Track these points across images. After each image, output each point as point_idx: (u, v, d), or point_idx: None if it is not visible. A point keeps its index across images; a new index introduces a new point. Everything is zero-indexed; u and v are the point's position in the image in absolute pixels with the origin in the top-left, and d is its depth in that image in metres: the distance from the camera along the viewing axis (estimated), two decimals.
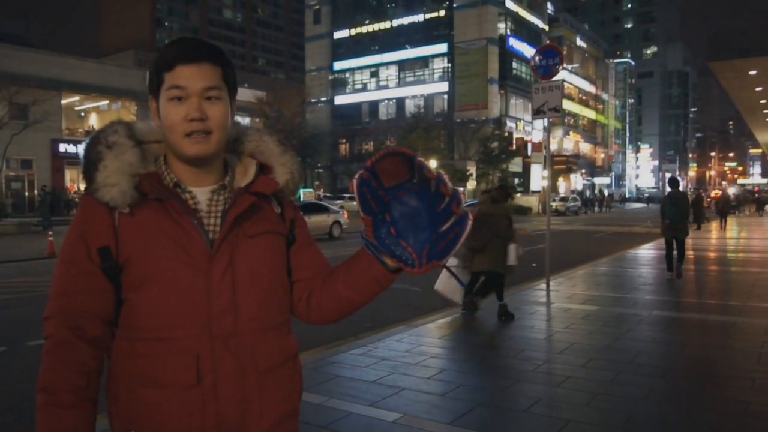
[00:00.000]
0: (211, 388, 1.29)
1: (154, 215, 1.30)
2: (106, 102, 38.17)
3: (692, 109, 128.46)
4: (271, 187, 1.41)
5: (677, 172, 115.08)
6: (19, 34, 58.78)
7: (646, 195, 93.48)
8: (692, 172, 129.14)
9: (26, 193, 32.24)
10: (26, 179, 32.49)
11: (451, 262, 7.22)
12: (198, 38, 1.37)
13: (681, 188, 11.58)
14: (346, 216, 23.14)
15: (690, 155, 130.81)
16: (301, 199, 35.60)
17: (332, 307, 1.44)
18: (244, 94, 43.71)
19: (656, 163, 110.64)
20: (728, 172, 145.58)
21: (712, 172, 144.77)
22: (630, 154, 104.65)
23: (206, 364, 1.28)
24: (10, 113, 27.35)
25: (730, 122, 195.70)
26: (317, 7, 68.06)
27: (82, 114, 39.51)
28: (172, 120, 1.29)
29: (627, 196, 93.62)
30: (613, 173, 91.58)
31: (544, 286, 9.78)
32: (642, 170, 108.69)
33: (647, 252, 16.36)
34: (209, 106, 1.30)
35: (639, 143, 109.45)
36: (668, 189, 11.79)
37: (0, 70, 26.90)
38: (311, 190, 45.02)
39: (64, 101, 34.55)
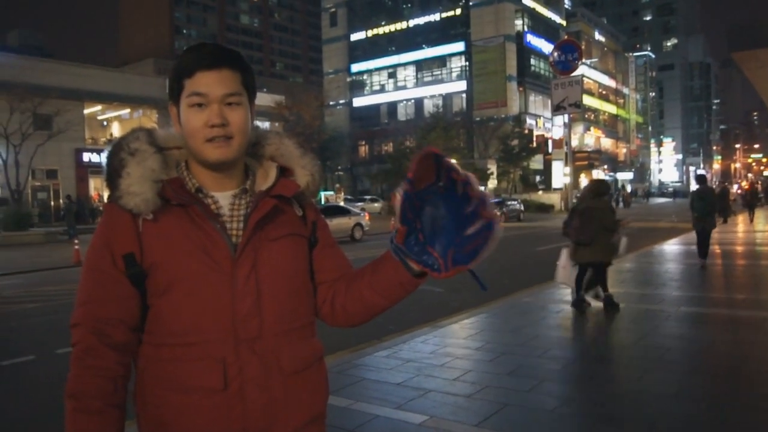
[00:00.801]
0: (237, 393, 1.29)
1: (177, 221, 1.31)
2: (128, 110, 38.64)
3: (715, 101, 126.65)
4: (291, 189, 1.42)
5: (701, 165, 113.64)
6: (39, 45, 59.83)
7: (671, 189, 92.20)
8: (717, 165, 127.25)
9: (52, 203, 32.76)
10: (51, 189, 33.01)
11: (562, 259, 7.86)
12: (217, 44, 1.38)
13: (707, 184, 12.18)
14: (367, 218, 23.14)
15: (714, 148, 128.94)
16: (322, 202, 35.80)
17: (357, 310, 1.43)
18: (263, 98, 43.96)
19: (680, 156, 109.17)
20: (754, 164, 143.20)
21: (737, 165, 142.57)
22: (653, 148, 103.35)
23: (232, 368, 1.29)
24: (34, 124, 27.80)
25: (755, 113, 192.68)
26: (333, 9, 68.27)
27: (105, 123, 40.05)
28: (193, 126, 1.30)
29: (651, 190, 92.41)
30: (635, 168, 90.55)
31: None
32: (665, 164, 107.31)
33: (673, 247, 16.13)
34: (230, 112, 1.31)
35: (661, 137, 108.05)
36: (696, 185, 12.31)
37: (23, 82, 27.27)
38: (332, 192, 45.13)
39: (86, 111, 35.06)
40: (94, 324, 1.28)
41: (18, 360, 6.43)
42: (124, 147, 1.34)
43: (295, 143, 1.51)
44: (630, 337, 6.33)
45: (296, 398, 1.36)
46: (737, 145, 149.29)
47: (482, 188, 1.21)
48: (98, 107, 37.20)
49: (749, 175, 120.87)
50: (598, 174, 68.86)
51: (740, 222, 26.17)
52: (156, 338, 1.32)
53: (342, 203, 32.50)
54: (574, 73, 10.25)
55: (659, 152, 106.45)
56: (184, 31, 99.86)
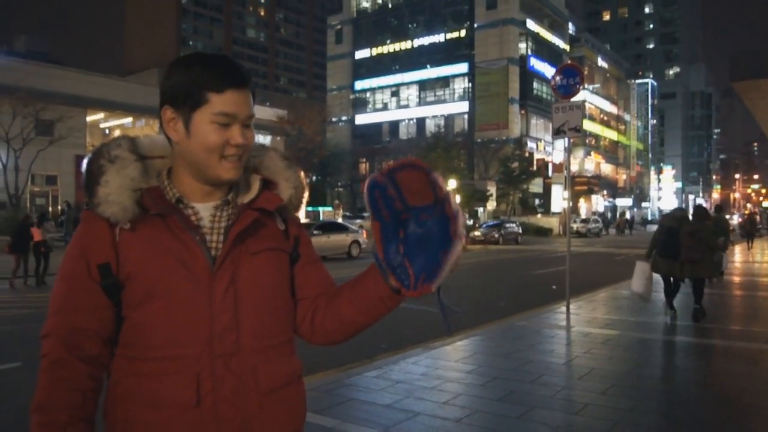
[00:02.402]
0: (210, 410, 1.25)
1: (155, 231, 1.28)
2: (130, 119, 38.74)
3: (715, 131, 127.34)
4: (274, 203, 1.38)
5: (700, 194, 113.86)
6: (46, 52, 60.08)
7: None
8: (716, 194, 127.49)
9: (50, 209, 32.69)
10: (50, 195, 33.00)
11: (643, 271, 8.84)
12: (232, 58, 1.33)
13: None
14: (365, 235, 23.09)
15: (714, 177, 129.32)
16: (321, 219, 35.73)
17: (336, 327, 1.40)
18: (266, 112, 44.12)
19: (679, 185, 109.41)
20: (753, 194, 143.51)
21: (737, 195, 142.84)
22: (652, 175, 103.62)
23: (206, 384, 1.25)
24: (36, 129, 27.85)
25: (755, 144, 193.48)
26: (339, 27, 68.82)
27: (107, 131, 40.14)
28: (213, 142, 1.27)
29: (649, 218, 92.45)
30: (635, 195, 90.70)
31: (564, 309, 9.61)
32: (665, 192, 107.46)
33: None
34: (246, 132, 1.30)
35: (661, 164, 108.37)
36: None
37: (27, 87, 27.32)
38: (331, 208, 45.08)
39: (89, 118, 35.18)
40: (65, 334, 1.24)
41: (4, 366, 6.35)
42: (105, 154, 1.30)
43: (280, 156, 1.48)
44: (624, 366, 6.26)
45: (272, 417, 1.32)
46: (737, 175, 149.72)
47: (458, 207, 1.19)
48: (101, 115, 37.32)
49: (748, 205, 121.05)
50: (598, 199, 69.07)
51: (739, 252, 26.13)
52: (129, 351, 1.28)
53: (340, 220, 32.43)
54: (575, 98, 10.23)
55: (659, 179, 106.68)
56: (190, 43, 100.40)
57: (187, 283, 1.26)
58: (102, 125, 39.25)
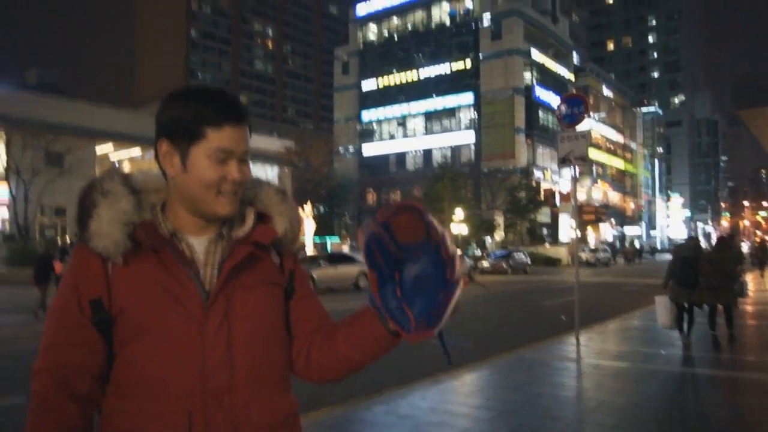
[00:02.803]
0: None
1: (148, 266, 1.26)
2: (139, 151, 39.06)
3: (723, 158, 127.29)
4: (269, 236, 1.36)
5: (709, 222, 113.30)
6: (57, 84, 60.94)
7: None
8: (725, 222, 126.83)
9: (59, 240, 32.81)
10: (59, 226, 33.12)
11: (663, 319, 9.19)
12: (230, 93, 1.33)
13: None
14: None
15: (722, 205, 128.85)
16: (329, 250, 35.71)
17: (332, 365, 1.37)
18: (273, 143, 44.40)
19: (688, 213, 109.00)
20: (762, 221, 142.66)
21: (746, 222, 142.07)
22: (660, 203, 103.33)
23: (198, 422, 1.21)
24: (45, 161, 28.10)
25: (763, 170, 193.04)
26: (346, 58, 69.66)
27: (116, 162, 40.42)
28: (210, 178, 1.25)
29: (658, 246, 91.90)
30: (643, 223, 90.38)
31: (573, 340, 9.48)
32: (673, 220, 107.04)
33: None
34: (242, 167, 1.29)
35: (669, 192, 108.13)
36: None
37: (36, 119, 27.67)
38: (338, 239, 45.08)
39: (98, 149, 35.44)
40: (56, 371, 1.22)
41: (6, 404, 6.29)
42: (97, 187, 1.29)
43: (275, 190, 1.46)
44: (635, 399, 6.14)
45: None
46: (745, 203, 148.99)
47: (455, 249, 1.17)
48: (110, 146, 37.62)
49: (758, 232, 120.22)
50: (606, 228, 68.83)
51: (751, 280, 25.85)
52: (120, 389, 1.25)
53: (347, 250, 32.39)
54: (580, 127, 10.23)
55: (667, 208, 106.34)
56: (199, 75, 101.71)
57: (180, 318, 1.24)
58: (111, 157, 39.55)
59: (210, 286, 1.28)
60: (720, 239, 10.32)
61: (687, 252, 9.62)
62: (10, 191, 28.34)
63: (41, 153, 27.95)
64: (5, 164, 28.91)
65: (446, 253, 1.16)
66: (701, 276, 9.23)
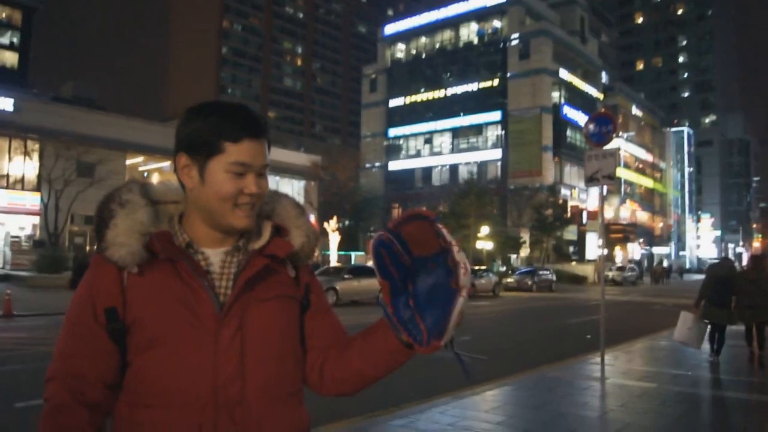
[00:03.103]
0: None
1: (163, 276, 1.26)
2: (169, 163, 39.62)
3: (755, 179, 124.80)
4: (285, 249, 1.36)
5: (740, 243, 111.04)
6: (92, 98, 62.31)
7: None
8: (756, 243, 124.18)
9: (87, 248, 33.35)
10: (88, 235, 33.63)
11: (687, 322, 9.13)
12: (250, 108, 1.34)
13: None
14: None
15: (753, 226, 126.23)
16: (353, 263, 35.75)
17: (346, 379, 1.37)
18: (300, 157, 44.73)
19: (718, 233, 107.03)
20: None
21: None
22: (690, 223, 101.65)
23: None
24: (77, 171, 28.66)
25: None
26: (374, 76, 70.02)
27: (146, 174, 41.05)
28: (228, 191, 1.26)
29: (687, 267, 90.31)
30: (673, 243, 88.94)
31: (598, 359, 9.30)
32: (703, 240, 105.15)
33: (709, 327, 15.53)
34: (260, 181, 1.30)
35: (699, 213, 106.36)
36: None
37: (70, 131, 28.25)
38: (363, 253, 45.11)
39: (128, 161, 36.03)
40: (69, 380, 1.23)
41: (32, 403, 6.37)
42: (116, 198, 1.31)
43: (292, 204, 1.47)
44: (661, 421, 6.00)
45: None
46: None
47: (462, 258, 1.16)
48: (140, 158, 38.23)
49: None
50: (634, 247, 67.86)
51: None
52: (132, 398, 1.25)
53: (371, 264, 32.35)
54: (609, 146, 10.13)
55: (697, 228, 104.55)
56: (229, 91, 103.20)
57: (193, 329, 1.24)
58: (141, 168, 40.17)
59: (224, 297, 1.29)
60: (753, 258, 10.28)
61: (721, 272, 9.80)
62: (42, 199, 28.92)
63: (73, 163, 28.49)
64: (38, 173, 29.53)
65: (452, 261, 1.15)
66: (736, 295, 9.41)
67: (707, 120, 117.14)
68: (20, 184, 30.70)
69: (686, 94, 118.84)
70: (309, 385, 1.42)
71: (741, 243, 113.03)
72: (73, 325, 1.27)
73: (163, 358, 1.23)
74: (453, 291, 1.13)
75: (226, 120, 1.27)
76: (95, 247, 1.33)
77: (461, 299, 1.14)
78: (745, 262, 14.67)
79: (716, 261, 11.39)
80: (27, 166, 30.15)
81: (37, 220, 30.35)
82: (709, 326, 9.67)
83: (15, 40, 60.88)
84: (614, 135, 10.24)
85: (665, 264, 66.06)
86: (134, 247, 1.24)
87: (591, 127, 10.34)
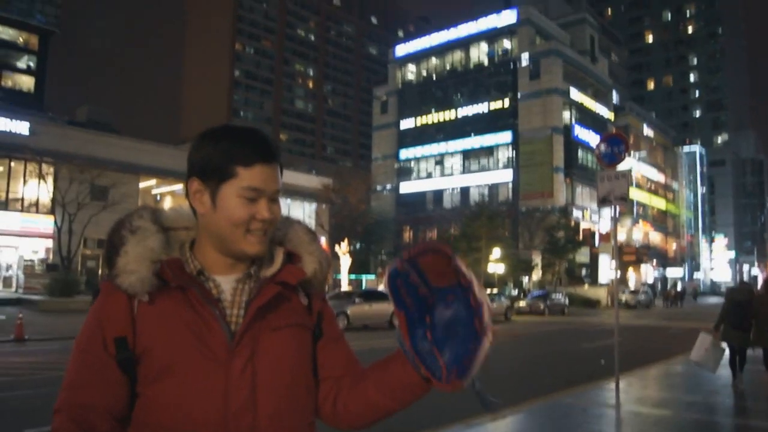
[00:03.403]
0: None
1: (174, 304, 1.24)
2: (181, 186, 39.83)
3: None
4: (297, 276, 1.33)
5: (755, 264, 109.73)
6: (106, 121, 63.15)
7: (723, 289, 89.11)
8: None
9: (99, 272, 33.51)
10: (101, 258, 33.84)
11: (704, 343, 9.15)
12: (262, 132, 1.33)
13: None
14: None
15: None
16: (364, 287, 35.64)
17: (361, 412, 1.33)
18: (311, 180, 44.88)
19: (732, 254, 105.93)
20: None
21: None
22: (704, 244, 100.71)
23: None
24: (90, 194, 28.90)
25: None
26: (384, 98, 70.43)
27: (158, 197, 41.36)
28: (240, 217, 1.25)
29: (702, 289, 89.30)
30: (686, 265, 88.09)
31: (612, 385, 9.17)
32: (717, 262, 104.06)
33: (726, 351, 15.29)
34: (273, 206, 1.29)
35: (713, 233, 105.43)
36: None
37: (84, 155, 28.56)
38: (374, 276, 45.03)
39: (141, 184, 36.32)
40: (77, 411, 1.19)
41: (42, 429, 6.34)
42: (126, 224, 1.29)
43: (305, 230, 1.44)
44: None
45: None
46: None
47: (484, 296, 1.14)
48: (153, 181, 38.54)
49: None
50: (647, 269, 67.25)
51: None
52: (141, 430, 1.22)
53: (383, 288, 32.25)
54: (621, 166, 10.08)
55: (711, 249, 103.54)
56: (241, 114, 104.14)
57: (204, 359, 1.22)
58: (154, 191, 40.48)
59: (236, 326, 1.26)
60: (767, 282, 10.23)
61: (740, 296, 9.90)
62: (55, 223, 29.15)
63: (87, 187, 28.74)
64: (52, 197, 29.81)
65: (474, 301, 1.12)
66: (755, 319, 9.48)
67: (719, 139, 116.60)
68: (34, 207, 31.05)
69: (697, 114, 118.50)
70: (322, 417, 1.38)
71: (756, 264, 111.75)
72: (83, 354, 1.25)
73: (173, 388, 1.20)
74: (477, 332, 1.11)
75: (238, 144, 1.26)
76: (106, 273, 1.31)
77: (487, 342, 1.11)
78: (760, 284, 14.55)
79: (735, 285, 11.41)
80: (41, 190, 30.49)
81: (50, 243, 30.61)
82: (728, 351, 9.75)
83: (32, 64, 61.96)
84: (626, 155, 10.19)
85: (679, 287, 65.27)
86: (145, 274, 1.22)
87: (603, 147, 10.30)
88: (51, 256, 30.55)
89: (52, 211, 30.04)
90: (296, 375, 1.30)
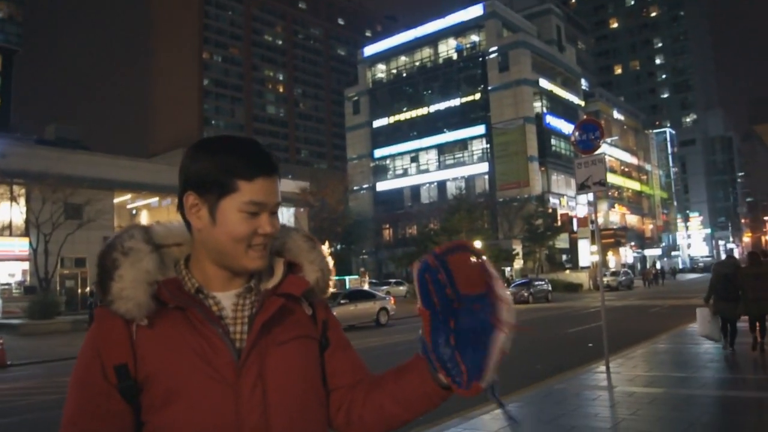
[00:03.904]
0: None
1: (175, 326, 1.18)
2: (157, 199, 39.46)
3: (739, 174, 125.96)
4: (300, 287, 1.29)
5: (731, 239, 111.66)
6: (75, 138, 62.23)
7: (701, 264, 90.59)
8: (746, 238, 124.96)
9: (79, 291, 33.02)
10: (79, 277, 33.35)
11: (705, 316, 10.44)
12: (260, 143, 1.28)
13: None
14: (392, 302, 22.85)
15: (742, 221, 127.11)
16: (347, 287, 35.57)
17: (376, 421, 1.28)
18: (288, 185, 44.67)
19: (708, 231, 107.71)
20: None
21: None
22: (680, 223, 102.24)
23: None
24: (65, 214, 28.43)
25: None
26: (356, 98, 70.40)
27: (134, 211, 40.86)
28: (242, 232, 1.20)
29: (681, 266, 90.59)
30: (664, 244, 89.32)
31: (603, 368, 9.25)
32: (694, 239, 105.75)
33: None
34: (273, 219, 1.24)
35: (688, 212, 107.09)
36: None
37: (56, 173, 28.00)
38: (357, 276, 44.97)
39: (116, 200, 35.85)
40: None
41: None
42: (117, 246, 1.22)
43: (303, 237, 1.40)
44: (676, 427, 5.93)
45: None
46: (766, 218, 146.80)
47: (506, 293, 1.13)
48: (128, 196, 38.07)
49: None
50: (626, 251, 68.01)
51: None
52: None
53: (367, 287, 32.25)
54: (596, 152, 10.18)
55: (687, 227, 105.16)
56: (213, 122, 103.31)
57: (211, 381, 1.16)
58: (129, 206, 40.01)
59: (240, 343, 1.21)
60: (750, 254, 11.12)
61: (726, 269, 10.75)
62: (31, 244, 28.66)
63: (60, 206, 28.27)
64: (25, 218, 29.29)
65: (494, 297, 1.11)
66: (741, 290, 10.31)
67: (688, 119, 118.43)
68: (8, 230, 30.48)
69: (666, 95, 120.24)
70: (335, 428, 1.34)
71: (731, 239, 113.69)
72: (82, 386, 1.18)
73: (180, 414, 1.15)
74: (493, 327, 1.08)
75: (238, 157, 1.21)
76: (99, 298, 1.25)
77: (502, 336, 1.08)
78: (738, 257, 15.56)
79: (722, 260, 12.36)
80: (14, 212, 29.93)
81: (26, 265, 30.09)
82: (720, 320, 10.62)
83: None
84: (601, 141, 10.28)
85: (658, 266, 66.09)
86: (142, 299, 1.17)
87: (578, 134, 10.38)
88: (28, 279, 30.05)
89: (26, 233, 29.52)
90: (307, 389, 1.26)
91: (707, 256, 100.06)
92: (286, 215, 43.42)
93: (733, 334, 10.62)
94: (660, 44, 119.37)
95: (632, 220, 78.16)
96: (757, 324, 10.39)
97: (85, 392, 1.17)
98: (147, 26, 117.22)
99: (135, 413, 1.18)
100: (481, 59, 60.54)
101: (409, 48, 66.91)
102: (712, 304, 10.65)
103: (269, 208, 1.23)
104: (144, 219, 39.84)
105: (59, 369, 13.36)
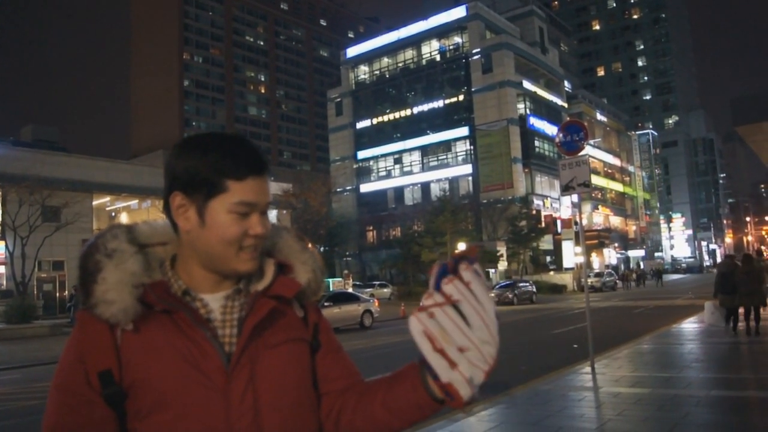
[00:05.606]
0: None
1: (161, 330, 1.12)
2: (136, 201, 39.03)
3: (721, 175, 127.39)
4: (292, 289, 1.22)
5: (713, 240, 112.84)
6: (53, 140, 61.42)
7: (684, 265, 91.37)
8: (729, 239, 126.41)
9: (57, 295, 32.53)
10: (57, 280, 32.85)
11: (708, 319, 14.21)
12: (249, 141, 1.20)
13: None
14: (376, 304, 22.71)
15: (724, 222, 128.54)
16: (331, 289, 35.38)
17: (366, 428, 1.20)
18: (271, 187, 44.30)
19: (690, 232, 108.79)
20: (766, 236, 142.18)
21: (749, 238, 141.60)
22: (662, 224, 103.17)
23: None
24: (42, 216, 27.97)
25: (762, 185, 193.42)
26: (339, 99, 70.19)
27: (113, 214, 40.37)
28: (233, 234, 1.14)
29: (664, 267, 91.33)
30: (646, 245, 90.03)
31: (588, 369, 9.18)
32: (677, 240, 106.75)
33: (692, 326, 15.55)
34: (264, 220, 1.20)
35: (671, 213, 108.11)
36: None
37: (33, 175, 27.49)
38: (340, 279, 44.80)
39: (95, 202, 35.35)
40: None
41: None
42: (100, 248, 1.13)
43: (295, 237, 1.33)
44: (661, 427, 5.84)
45: None
46: (747, 218, 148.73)
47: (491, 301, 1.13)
48: (107, 198, 37.61)
49: (762, 247, 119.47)
50: (610, 252, 68.45)
51: None
52: None
53: (350, 289, 32.09)
54: (580, 153, 10.12)
55: (669, 228, 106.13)
56: (194, 123, 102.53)
57: (200, 387, 1.10)
58: (108, 208, 39.53)
59: (230, 347, 1.15)
60: (744, 257, 13.52)
61: (724, 267, 13.50)
62: (7, 248, 28.17)
63: (38, 208, 27.80)
64: (1, 221, 28.76)
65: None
66: (738, 285, 12.57)
67: (670, 121, 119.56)
68: None
69: (648, 97, 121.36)
70: None
71: (714, 239, 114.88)
72: (64, 393, 1.09)
73: (168, 422, 1.08)
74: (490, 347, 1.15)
75: (228, 156, 1.15)
76: (82, 302, 1.13)
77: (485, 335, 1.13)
78: (719, 259, 18.04)
79: (722, 260, 14.93)
80: None
81: (2, 269, 29.56)
82: (726, 311, 13.31)
83: None
84: (585, 142, 10.22)
85: (641, 266, 66.36)
86: (127, 302, 1.09)
87: (562, 135, 10.32)
88: (5, 283, 29.53)
89: (2, 236, 28.97)
90: (299, 394, 1.20)
91: (690, 257, 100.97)
92: (269, 217, 43.18)
93: (735, 321, 13.05)
94: (642, 46, 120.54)
95: (615, 221, 78.68)
96: (752, 312, 12.62)
97: (67, 399, 1.11)
98: (126, 26, 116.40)
99: (120, 420, 1.12)
100: (464, 61, 60.61)
101: (392, 49, 66.85)
102: (717, 298, 13.36)
103: (260, 209, 1.18)
104: (124, 221, 39.23)
105: (37, 374, 13.06)
